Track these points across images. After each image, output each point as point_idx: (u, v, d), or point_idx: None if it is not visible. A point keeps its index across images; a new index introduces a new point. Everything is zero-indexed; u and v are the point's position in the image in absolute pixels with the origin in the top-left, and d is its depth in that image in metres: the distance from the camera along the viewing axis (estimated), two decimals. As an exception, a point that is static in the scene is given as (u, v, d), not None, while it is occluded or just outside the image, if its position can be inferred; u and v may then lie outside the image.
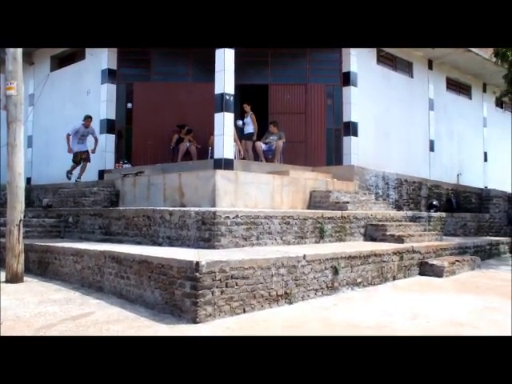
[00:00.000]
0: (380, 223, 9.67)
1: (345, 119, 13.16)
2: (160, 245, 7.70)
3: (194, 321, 5.19)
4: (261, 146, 12.23)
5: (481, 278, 9.17)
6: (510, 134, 20.98)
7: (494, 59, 14.98)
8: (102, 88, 13.52)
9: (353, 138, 13.02)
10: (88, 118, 12.61)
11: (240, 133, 12.68)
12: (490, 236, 13.69)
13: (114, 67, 13.49)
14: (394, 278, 8.26)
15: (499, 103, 20.16)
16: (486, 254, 11.75)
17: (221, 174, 8.63)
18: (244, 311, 5.75)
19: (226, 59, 10.34)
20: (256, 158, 12.32)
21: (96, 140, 12.92)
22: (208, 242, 7.05)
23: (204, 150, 12.65)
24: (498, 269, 10.40)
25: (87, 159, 12.92)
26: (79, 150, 12.80)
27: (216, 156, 10.29)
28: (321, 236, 8.53)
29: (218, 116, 10.43)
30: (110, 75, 13.42)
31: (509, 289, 8.14)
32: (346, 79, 13.27)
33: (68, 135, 12.70)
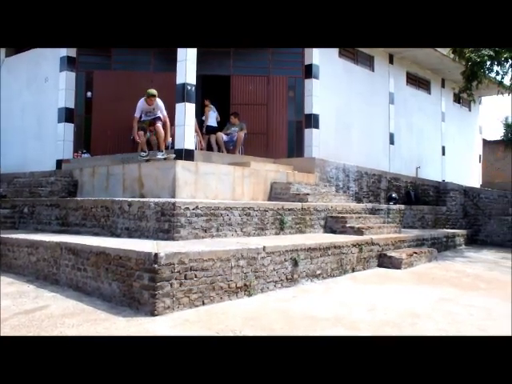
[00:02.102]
0: (340, 215, 9.74)
1: (306, 111, 13.18)
2: (118, 236, 7.58)
3: (152, 313, 5.14)
4: (222, 137, 12.17)
5: (437, 269, 9.35)
6: (467, 128, 21.50)
7: (452, 55, 15.30)
8: (61, 76, 13.21)
9: (314, 130, 13.05)
10: (151, 97, 10.04)
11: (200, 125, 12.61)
12: (447, 228, 13.98)
13: (74, 55, 13.18)
14: (353, 270, 8.34)
15: (457, 99, 20.56)
16: (443, 246, 12.01)
17: (181, 165, 8.54)
18: (203, 303, 5.72)
19: (188, 49, 10.22)
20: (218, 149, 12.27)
21: (165, 122, 10.18)
22: (167, 234, 6.98)
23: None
24: (453, 260, 10.63)
25: (158, 125, 10.07)
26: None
27: (177, 147, 10.18)
28: (281, 228, 8.54)
29: (179, 106, 10.32)
30: (69, 63, 13.12)
31: (462, 280, 8.36)
32: (308, 72, 13.28)
33: (136, 119, 10.17)
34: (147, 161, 9.87)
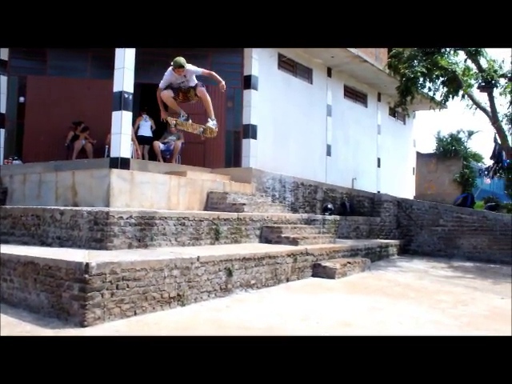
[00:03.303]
0: (276, 225, 9.81)
1: (244, 122, 13.28)
2: (49, 245, 7.38)
3: (82, 324, 5.04)
4: (159, 145, 12.08)
5: (370, 279, 9.56)
6: (401, 141, 22.17)
7: (387, 71, 15.83)
8: (-8, 79, 12.82)
9: (252, 140, 13.16)
10: (179, 68, 8.14)
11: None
12: (381, 239, 14.32)
13: (6, 58, 12.81)
14: (288, 280, 8.42)
15: (392, 112, 21.19)
16: (376, 256, 12.29)
17: (116, 174, 8.42)
18: (135, 314, 5.65)
19: (126, 57, 10.13)
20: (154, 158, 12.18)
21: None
22: (100, 243, 6.85)
23: (101, 148, 12.32)
24: (386, 270, 10.90)
25: (200, 89, 8.59)
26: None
27: (112, 155, 10.04)
28: (216, 237, 8.53)
29: (115, 114, 10.19)
30: (0, 66, 12.73)
31: (394, 289, 8.58)
32: (247, 82, 13.39)
33: (160, 90, 8.66)
34: (186, 120, 8.94)
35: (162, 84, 8.56)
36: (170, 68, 8.33)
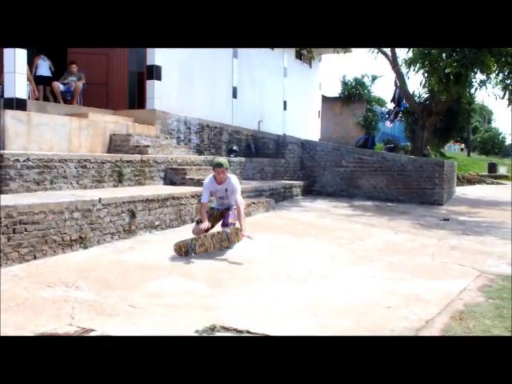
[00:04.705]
0: (180, 167, 9.84)
1: (148, 63, 12.90)
2: None
3: (-24, 271, 4.95)
4: (58, 86, 11.59)
5: (274, 218, 9.86)
6: (307, 85, 22.52)
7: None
8: None
9: (156, 81, 12.85)
10: (218, 168, 6.71)
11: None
12: (285, 180, 14.64)
13: None
14: (193, 221, 8.46)
15: (299, 55, 21.36)
16: (281, 197, 12.63)
17: (11, 115, 8.06)
18: (35, 257, 5.60)
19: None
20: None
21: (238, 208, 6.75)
22: (-5, 187, 6.63)
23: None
24: (289, 210, 11.26)
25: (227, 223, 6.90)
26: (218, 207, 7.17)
27: (6, 95, 9.52)
28: (119, 180, 8.45)
29: (8, 52, 9.60)
30: None
31: (296, 227, 8.94)
32: (151, 21, 12.98)
33: (204, 206, 6.93)
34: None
35: (203, 198, 6.91)
36: (211, 175, 6.97)
